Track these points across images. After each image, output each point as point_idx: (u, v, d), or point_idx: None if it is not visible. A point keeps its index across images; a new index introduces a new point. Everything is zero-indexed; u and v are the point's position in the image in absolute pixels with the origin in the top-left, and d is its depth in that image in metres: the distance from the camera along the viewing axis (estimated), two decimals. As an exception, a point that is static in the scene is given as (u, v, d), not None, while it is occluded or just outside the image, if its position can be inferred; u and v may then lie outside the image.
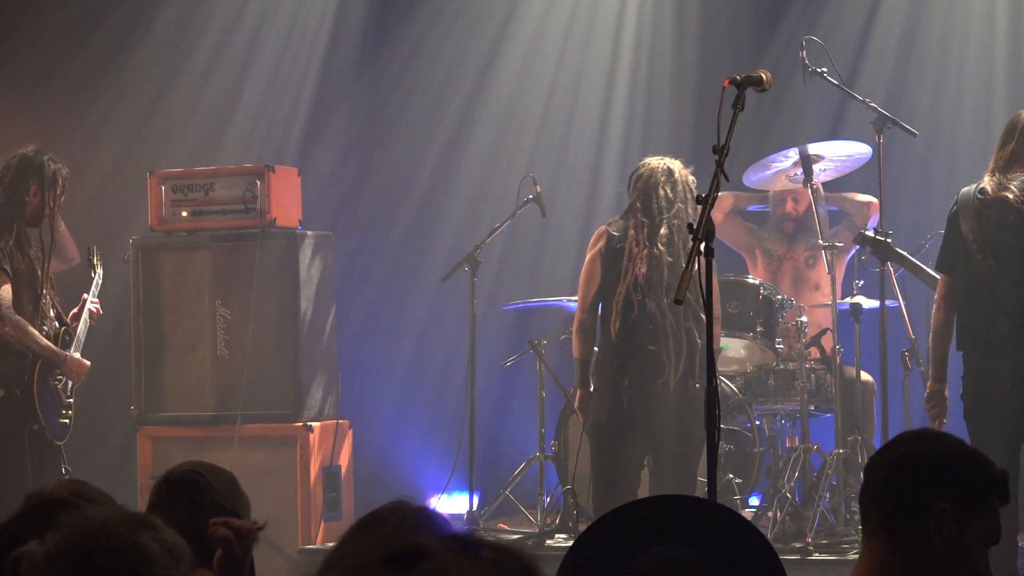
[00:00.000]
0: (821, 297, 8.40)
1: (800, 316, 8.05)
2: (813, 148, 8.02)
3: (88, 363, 7.72)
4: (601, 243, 7.16)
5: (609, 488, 6.98)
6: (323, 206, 9.54)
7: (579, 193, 9.78)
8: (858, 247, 7.71)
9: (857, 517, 7.01)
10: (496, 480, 8.65)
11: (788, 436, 8.30)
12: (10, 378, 7.50)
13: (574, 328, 7.24)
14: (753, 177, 8.21)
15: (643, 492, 7.13)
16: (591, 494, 7.25)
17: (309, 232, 8.62)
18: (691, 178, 7.13)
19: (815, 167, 8.00)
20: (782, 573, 3.30)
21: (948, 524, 3.16)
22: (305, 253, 8.52)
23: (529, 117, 10.00)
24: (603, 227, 7.23)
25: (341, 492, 8.50)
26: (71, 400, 7.68)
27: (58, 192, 7.61)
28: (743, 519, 3.66)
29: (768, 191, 8.68)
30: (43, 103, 9.91)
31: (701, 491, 7.29)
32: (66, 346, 7.65)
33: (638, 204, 7.10)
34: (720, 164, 4.76)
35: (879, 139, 7.48)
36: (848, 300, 7.78)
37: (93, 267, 7.94)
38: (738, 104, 4.95)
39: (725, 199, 8.61)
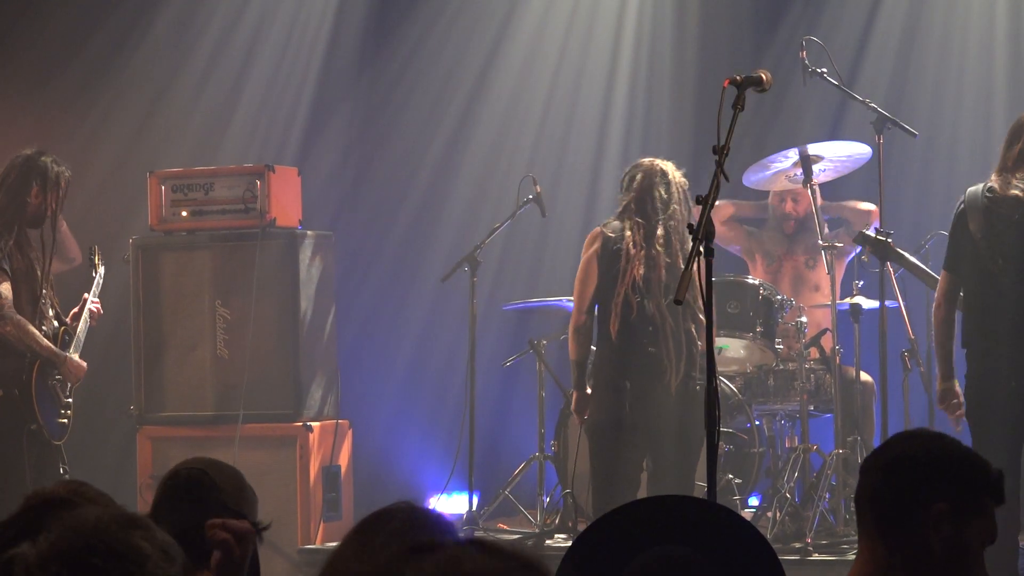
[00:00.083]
0: (821, 298, 8.40)
1: (800, 316, 8.05)
2: (813, 148, 8.02)
3: (85, 365, 7.72)
4: (597, 244, 7.14)
5: (609, 490, 6.97)
6: (323, 206, 9.55)
7: (579, 193, 9.78)
8: (858, 249, 7.72)
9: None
10: (496, 480, 8.65)
11: (788, 436, 8.30)
12: (9, 378, 7.50)
13: (570, 330, 7.22)
14: (753, 177, 8.21)
15: (641, 494, 7.13)
16: (591, 497, 7.25)
17: (309, 232, 8.63)
18: (684, 179, 7.14)
19: (815, 167, 8.00)
20: (781, 573, 3.30)
21: (945, 525, 3.16)
22: (305, 253, 8.52)
23: (529, 117, 10.00)
24: (598, 228, 7.22)
25: (341, 492, 8.51)
26: (70, 400, 7.68)
27: (60, 194, 7.62)
28: (742, 519, 3.66)
29: (766, 200, 8.70)
30: (43, 103, 9.91)
31: (699, 494, 7.29)
32: (65, 346, 7.65)
33: (633, 205, 7.09)
34: (720, 164, 4.76)
35: (879, 139, 7.48)
36: (848, 300, 7.78)
37: (94, 267, 7.95)
38: (738, 104, 4.95)
39: (724, 208, 8.60)
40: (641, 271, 7.00)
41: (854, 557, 3.34)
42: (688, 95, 9.76)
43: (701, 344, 7.02)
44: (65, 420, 7.65)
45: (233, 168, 8.76)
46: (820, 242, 7.88)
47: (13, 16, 9.99)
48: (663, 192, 7.07)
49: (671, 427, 6.98)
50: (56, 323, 7.68)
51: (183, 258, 8.63)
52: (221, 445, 8.02)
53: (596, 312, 7.17)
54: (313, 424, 8.39)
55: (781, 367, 8.03)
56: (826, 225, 8.19)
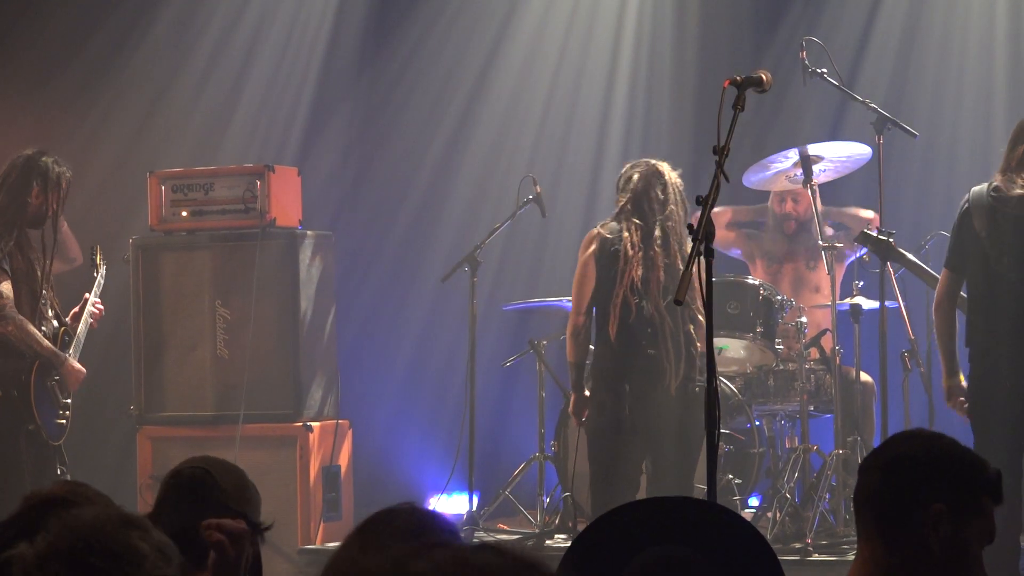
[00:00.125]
0: (821, 299, 8.40)
1: (800, 317, 8.04)
2: (813, 149, 8.02)
3: (84, 370, 7.71)
4: (594, 246, 7.11)
5: (609, 492, 6.95)
6: (323, 206, 9.55)
7: (579, 193, 9.78)
8: (859, 253, 7.73)
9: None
10: (496, 480, 8.65)
11: (788, 437, 8.31)
12: (8, 378, 7.50)
13: (568, 332, 7.18)
14: (753, 178, 8.21)
15: (640, 496, 7.13)
16: (590, 499, 7.24)
17: (309, 232, 8.63)
18: (679, 180, 7.12)
19: (815, 168, 8.00)
20: (781, 574, 3.30)
21: (944, 525, 3.16)
22: (305, 253, 8.52)
23: (529, 117, 10.00)
24: (595, 230, 7.18)
25: (341, 492, 8.51)
26: (68, 401, 7.68)
27: (61, 194, 7.62)
28: (743, 520, 3.66)
29: (764, 204, 8.70)
30: (43, 103, 9.92)
31: (699, 495, 7.29)
32: (64, 347, 7.65)
33: (629, 206, 7.07)
34: (720, 165, 4.76)
35: (879, 140, 7.49)
36: (848, 301, 7.78)
37: (96, 266, 7.95)
38: (738, 105, 4.95)
39: (722, 214, 8.59)
40: (640, 272, 6.99)
41: (854, 558, 3.34)
42: (688, 95, 9.76)
43: (700, 345, 7.01)
44: (63, 421, 7.64)
45: (233, 168, 8.76)
46: (820, 242, 7.88)
47: (13, 16, 9.99)
48: (660, 193, 7.05)
49: (670, 429, 6.98)
50: (56, 323, 7.67)
51: (183, 258, 8.63)
52: (221, 445, 8.01)
53: (594, 314, 7.15)
54: (313, 424, 8.39)
55: (781, 367, 8.03)
56: (827, 225, 8.19)
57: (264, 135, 9.94)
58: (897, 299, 7.44)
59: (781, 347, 8.03)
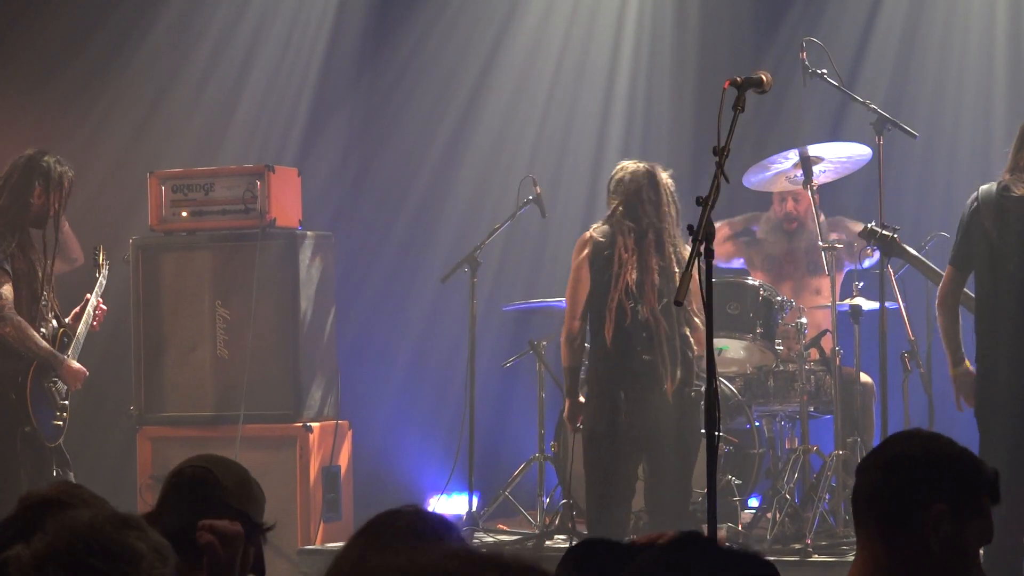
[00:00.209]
0: (821, 300, 8.40)
1: (800, 317, 8.04)
2: (813, 150, 8.02)
3: (85, 370, 7.70)
4: (587, 250, 7.04)
5: (605, 499, 6.93)
6: (323, 206, 9.55)
7: (579, 194, 9.78)
8: (859, 266, 7.74)
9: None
10: (496, 481, 8.65)
11: (788, 437, 8.30)
12: (4, 380, 7.49)
13: (563, 337, 7.11)
14: (753, 179, 8.21)
15: (637, 501, 7.12)
16: (587, 508, 7.22)
17: (309, 232, 8.63)
18: (671, 180, 7.06)
19: (815, 168, 8.00)
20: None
21: (945, 525, 3.16)
22: (305, 253, 8.52)
23: (529, 117, 10.00)
24: (587, 234, 7.11)
25: (340, 492, 8.51)
26: (66, 403, 7.67)
27: (63, 194, 7.61)
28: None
29: (755, 213, 8.72)
30: (43, 103, 9.91)
31: (697, 500, 7.30)
32: (63, 348, 7.64)
33: (621, 209, 7.01)
34: (720, 166, 4.76)
35: (879, 141, 7.48)
36: (848, 302, 7.78)
37: (99, 267, 7.94)
38: (738, 106, 4.95)
39: (719, 230, 8.54)
40: (634, 276, 6.92)
41: (853, 559, 3.34)
42: (688, 95, 9.76)
43: (697, 348, 6.98)
44: (60, 423, 7.62)
45: (233, 168, 8.76)
46: (820, 243, 7.88)
47: (13, 16, 9.99)
48: (652, 194, 6.98)
49: (667, 434, 6.92)
50: (55, 324, 7.67)
51: (183, 258, 8.64)
52: (221, 445, 8.00)
53: (588, 319, 7.07)
54: (313, 424, 8.39)
55: (781, 368, 8.03)
56: (826, 226, 8.18)
57: (264, 135, 9.94)
58: (897, 300, 7.44)
59: (781, 348, 8.03)
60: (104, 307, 7.86)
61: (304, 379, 8.45)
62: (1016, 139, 6.48)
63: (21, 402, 7.47)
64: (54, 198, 7.58)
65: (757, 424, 8.02)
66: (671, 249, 6.97)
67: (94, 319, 7.78)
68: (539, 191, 8.52)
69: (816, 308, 8.37)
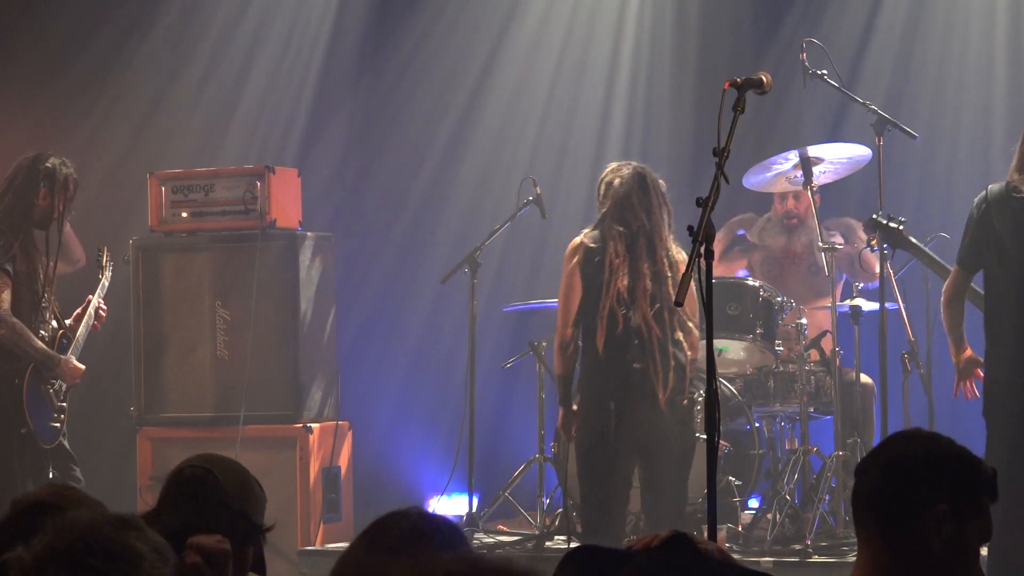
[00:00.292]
0: (821, 300, 8.40)
1: (800, 318, 8.04)
2: (813, 150, 8.02)
3: (83, 367, 7.70)
4: (579, 256, 6.95)
5: (600, 508, 6.88)
6: (323, 207, 9.55)
7: (579, 194, 9.76)
8: (849, 278, 7.76)
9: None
10: (495, 482, 8.64)
11: (788, 438, 8.29)
12: (1, 382, 7.48)
13: (556, 345, 7.01)
14: (753, 179, 8.21)
15: (633, 506, 7.11)
16: (581, 517, 7.18)
17: (309, 233, 8.63)
18: (661, 182, 6.98)
19: (815, 169, 8.00)
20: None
21: (946, 525, 3.16)
22: (305, 254, 8.52)
23: (529, 118, 10.00)
24: (577, 239, 7.01)
25: (341, 493, 8.51)
26: (64, 404, 7.66)
27: (68, 196, 7.62)
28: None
29: (742, 215, 8.71)
30: (43, 103, 9.92)
31: (693, 507, 7.29)
32: (63, 349, 7.64)
33: (611, 213, 6.90)
34: (720, 167, 4.76)
35: (879, 141, 7.48)
36: (848, 302, 7.78)
37: (102, 268, 7.94)
38: (738, 106, 4.95)
39: (716, 245, 8.52)
40: (625, 282, 6.82)
41: (854, 559, 3.33)
42: (688, 96, 9.76)
43: (691, 352, 6.93)
44: (57, 424, 7.62)
45: (233, 169, 8.77)
46: (820, 244, 7.88)
47: (13, 16, 9.99)
48: (641, 197, 6.89)
49: (660, 442, 6.85)
50: (55, 325, 7.66)
51: (183, 259, 8.64)
52: (221, 446, 8.00)
53: (581, 325, 6.98)
54: (313, 425, 8.39)
55: (781, 369, 8.03)
56: (828, 228, 8.18)
57: (264, 136, 9.94)
58: (897, 301, 7.43)
59: (781, 348, 8.03)
60: (105, 308, 7.86)
61: (304, 380, 8.45)
62: (1021, 139, 6.47)
63: (17, 404, 7.47)
64: (59, 200, 7.58)
65: (757, 425, 8.02)
66: (663, 253, 6.88)
67: (95, 320, 7.78)
68: (539, 192, 8.51)
69: (816, 309, 8.37)
